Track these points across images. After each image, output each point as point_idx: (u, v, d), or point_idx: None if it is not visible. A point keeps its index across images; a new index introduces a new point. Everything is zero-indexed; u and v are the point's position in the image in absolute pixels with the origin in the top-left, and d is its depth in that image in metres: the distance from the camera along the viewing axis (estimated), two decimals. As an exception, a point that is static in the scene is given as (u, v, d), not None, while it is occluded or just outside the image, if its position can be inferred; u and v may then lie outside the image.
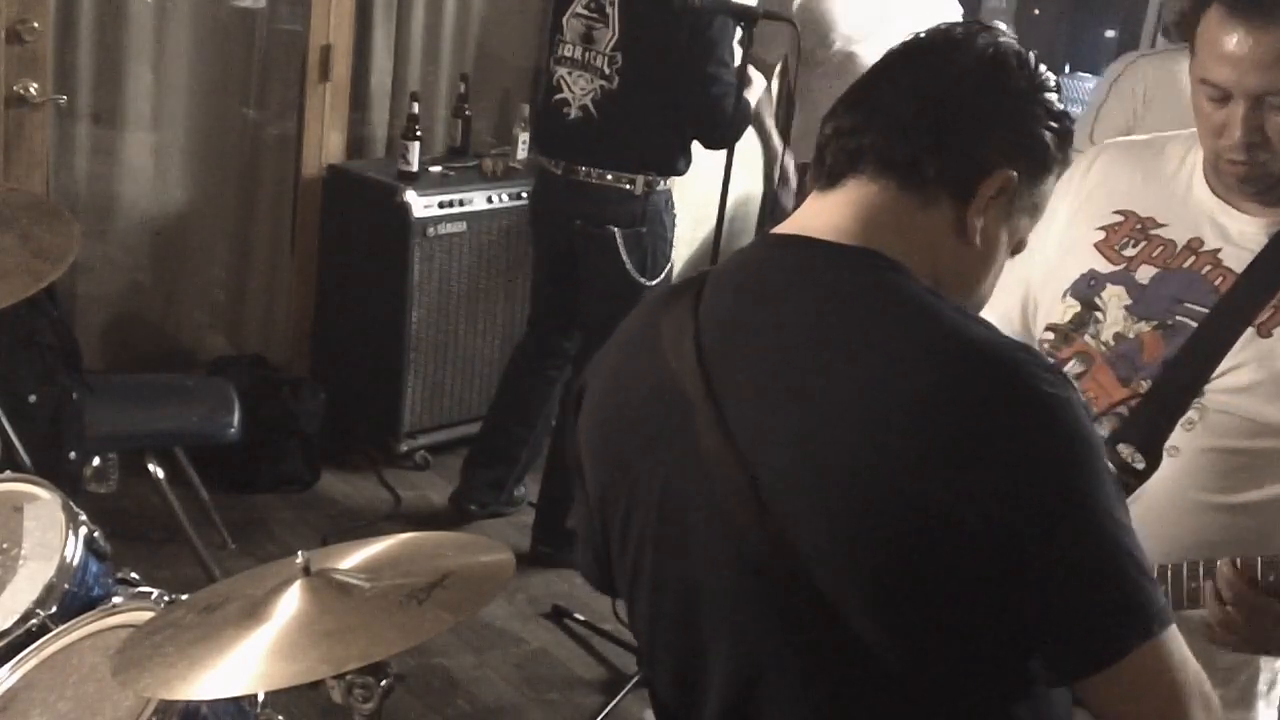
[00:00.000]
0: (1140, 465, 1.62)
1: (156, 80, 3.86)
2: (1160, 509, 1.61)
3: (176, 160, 3.98)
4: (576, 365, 3.73)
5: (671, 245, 3.61)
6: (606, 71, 3.39)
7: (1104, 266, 1.72)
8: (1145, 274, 1.68)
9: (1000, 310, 1.78)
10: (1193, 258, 1.66)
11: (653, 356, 1.28)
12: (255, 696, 1.75)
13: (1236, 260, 1.63)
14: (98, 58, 3.73)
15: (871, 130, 1.22)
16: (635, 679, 3.18)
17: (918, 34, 1.27)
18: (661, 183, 3.50)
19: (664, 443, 1.25)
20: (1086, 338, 1.72)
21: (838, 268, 1.21)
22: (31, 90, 3.46)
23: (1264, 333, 1.59)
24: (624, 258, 3.46)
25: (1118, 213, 1.74)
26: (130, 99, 3.82)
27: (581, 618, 3.43)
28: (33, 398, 2.91)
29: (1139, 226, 1.71)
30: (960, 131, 1.21)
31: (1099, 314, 1.71)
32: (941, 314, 1.15)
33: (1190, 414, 1.61)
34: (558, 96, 3.49)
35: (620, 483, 1.31)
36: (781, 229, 1.28)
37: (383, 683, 1.57)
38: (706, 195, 4.87)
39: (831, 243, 1.22)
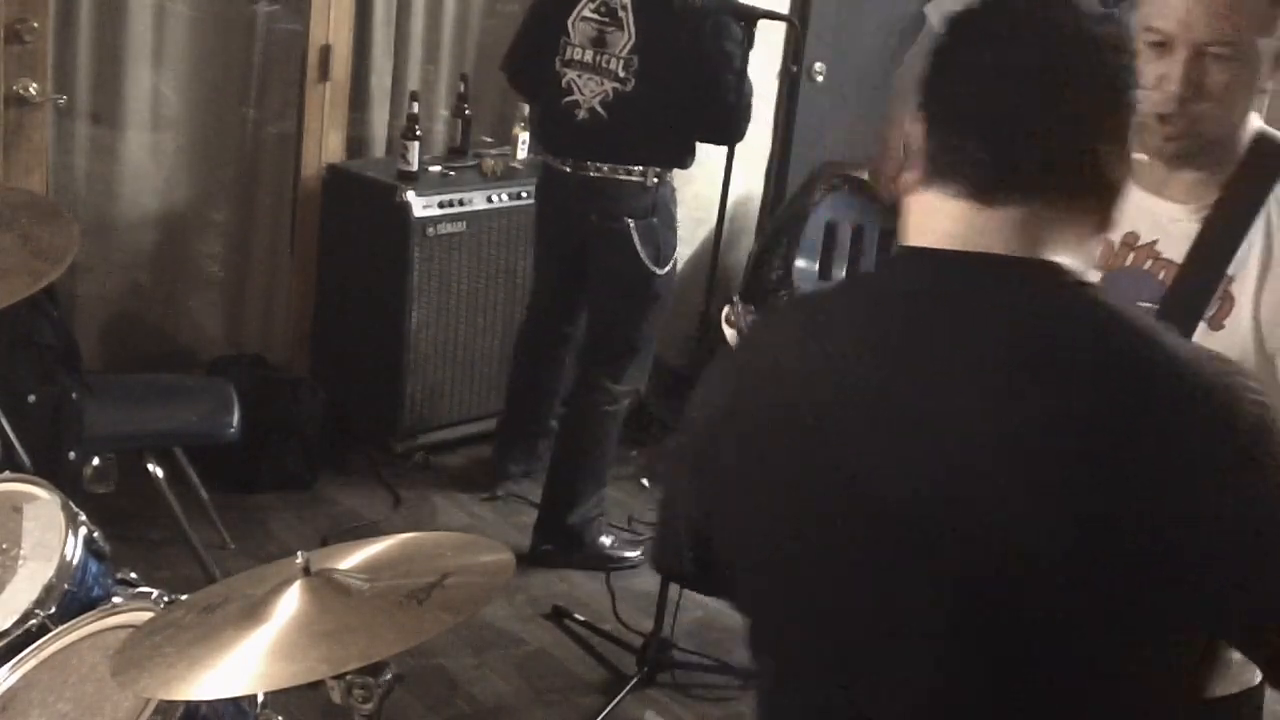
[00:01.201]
0: None
1: (156, 80, 3.86)
2: None
3: (176, 160, 3.97)
4: (582, 360, 3.78)
5: (677, 235, 3.69)
6: (622, 75, 3.42)
7: None
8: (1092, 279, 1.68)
9: None
10: (1132, 254, 1.65)
11: (815, 361, 1.23)
12: (255, 696, 1.75)
13: (1175, 250, 1.61)
14: (97, 58, 3.73)
15: (1013, 154, 1.16)
16: (635, 679, 3.18)
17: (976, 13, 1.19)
18: (669, 175, 3.57)
19: (836, 453, 1.19)
20: None
21: (1026, 283, 1.17)
22: (31, 90, 3.46)
23: (1215, 325, 1.58)
24: (638, 249, 3.53)
25: None
26: (130, 99, 3.82)
27: (581, 618, 3.43)
28: (32, 398, 2.91)
29: None
30: (1103, 136, 1.18)
31: None
32: (1157, 335, 1.13)
33: None
34: (568, 99, 3.49)
35: (765, 493, 1.25)
36: (927, 243, 1.19)
37: (383, 683, 1.57)
38: (706, 195, 4.89)
39: (1012, 257, 1.16)
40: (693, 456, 1.35)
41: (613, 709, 3.10)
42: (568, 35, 3.48)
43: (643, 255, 3.54)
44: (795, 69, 5.10)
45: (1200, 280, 1.57)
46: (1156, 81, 1.56)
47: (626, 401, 3.80)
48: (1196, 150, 1.59)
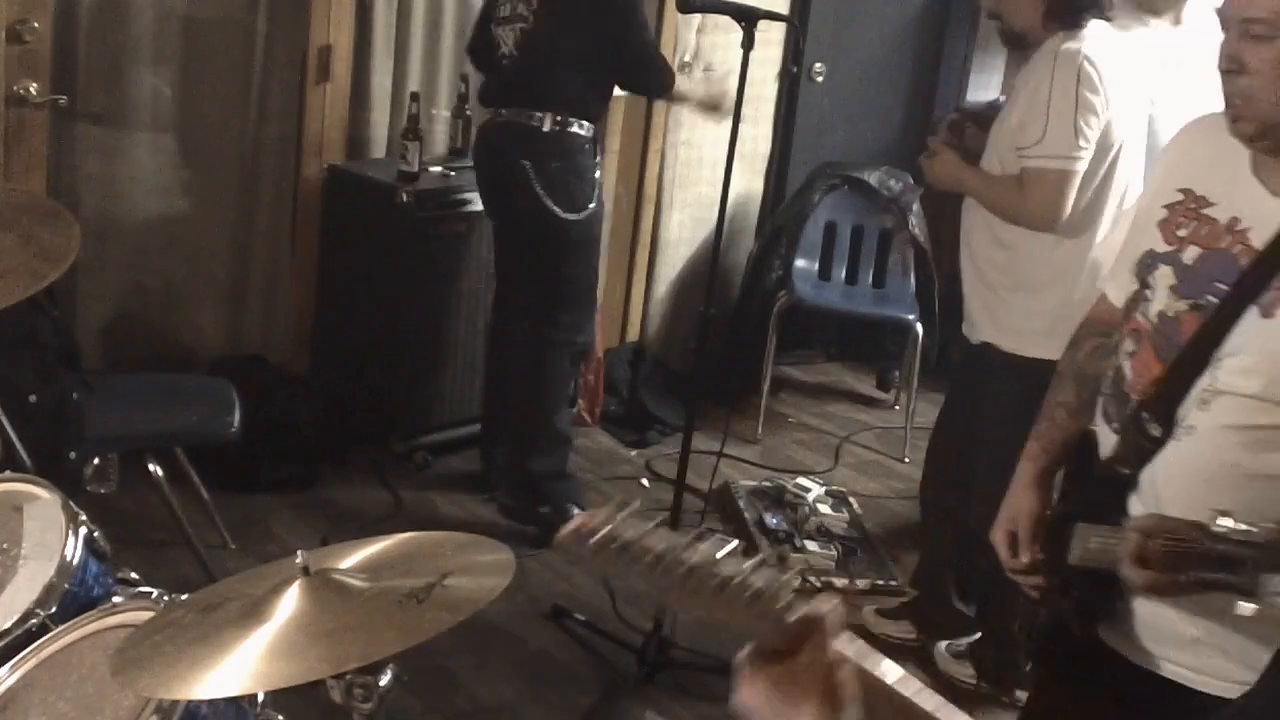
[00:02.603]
0: (1156, 433, 1.67)
1: (156, 80, 3.86)
2: (1186, 478, 1.65)
3: (176, 160, 3.97)
4: (532, 317, 3.80)
5: (594, 187, 3.73)
6: (526, 14, 3.63)
7: (1161, 246, 1.75)
8: (1191, 254, 1.70)
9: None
10: (1229, 237, 1.67)
11: None
12: (255, 696, 1.75)
13: (1260, 239, 1.63)
14: (98, 58, 3.73)
15: None
16: (635, 679, 3.18)
17: None
18: (576, 124, 3.65)
19: None
20: (1139, 316, 1.75)
21: None
22: (31, 90, 3.46)
23: (1267, 313, 1.60)
24: (538, 190, 3.62)
25: (1180, 190, 1.76)
26: (130, 99, 3.82)
27: (581, 617, 3.43)
28: (33, 398, 2.91)
29: (1193, 206, 1.73)
30: None
31: (1149, 292, 1.74)
32: None
33: (1205, 393, 1.64)
34: (499, 52, 3.70)
35: None
36: None
37: (383, 683, 1.57)
38: (707, 195, 4.90)
39: None
40: None
41: (613, 709, 3.10)
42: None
43: (545, 198, 3.62)
44: (795, 69, 5.10)
45: (1266, 268, 1.60)
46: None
47: (568, 350, 3.84)
48: (1259, 133, 1.63)
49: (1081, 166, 2.88)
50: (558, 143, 3.64)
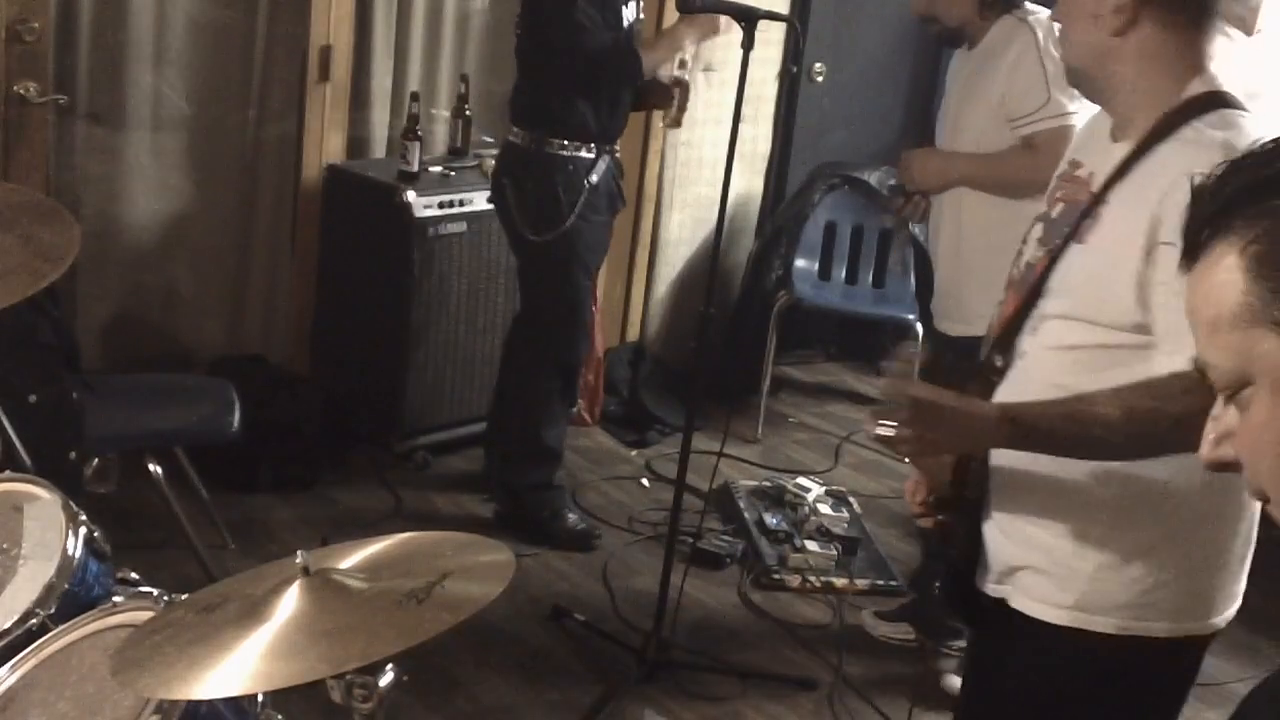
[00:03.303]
0: (999, 364, 1.83)
1: (156, 80, 3.87)
2: (1017, 400, 1.76)
3: (176, 160, 3.98)
4: (519, 332, 3.80)
5: (575, 205, 3.55)
6: (516, 34, 3.63)
7: (1040, 209, 1.91)
8: (1057, 210, 1.86)
9: None
10: (1085, 190, 1.81)
11: None
12: (255, 696, 1.75)
13: (1098, 183, 1.78)
14: (98, 58, 3.73)
15: None
16: (635, 679, 3.18)
17: None
18: (557, 143, 3.54)
19: None
20: (1013, 269, 1.92)
21: None
22: (31, 90, 3.46)
23: (1080, 239, 1.75)
24: (512, 210, 3.60)
25: (1069, 161, 1.91)
26: (130, 99, 3.83)
27: (581, 617, 3.43)
28: (33, 398, 2.91)
29: (1072, 172, 1.87)
30: None
31: (1024, 248, 1.90)
32: None
33: (1035, 320, 1.79)
34: None
35: None
36: None
37: (383, 683, 1.57)
38: (707, 195, 4.90)
39: None
40: None
41: (613, 709, 3.10)
42: None
43: (515, 218, 3.60)
44: (795, 69, 5.10)
45: (1090, 206, 1.75)
46: None
47: (554, 368, 3.75)
48: (1073, 79, 1.86)
49: (1078, 121, 2.91)
50: (533, 160, 3.56)
